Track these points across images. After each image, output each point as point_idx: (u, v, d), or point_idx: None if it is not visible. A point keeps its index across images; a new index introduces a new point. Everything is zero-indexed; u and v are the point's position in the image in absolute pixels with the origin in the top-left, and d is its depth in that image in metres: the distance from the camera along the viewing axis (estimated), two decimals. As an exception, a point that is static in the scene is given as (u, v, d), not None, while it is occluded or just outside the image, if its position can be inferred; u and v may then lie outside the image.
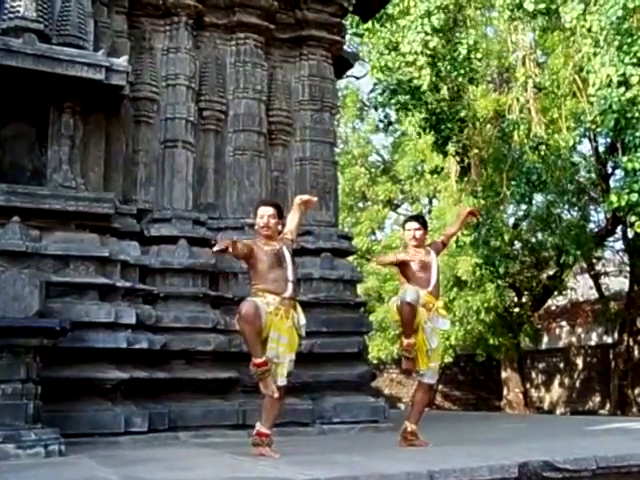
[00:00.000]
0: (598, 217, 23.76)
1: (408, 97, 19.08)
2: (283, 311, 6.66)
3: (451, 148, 20.45)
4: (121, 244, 8.93)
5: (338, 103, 12.20)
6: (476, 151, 21.01)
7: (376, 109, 22.68)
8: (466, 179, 21.74)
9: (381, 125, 24.43)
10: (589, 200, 22.48)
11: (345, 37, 12.06)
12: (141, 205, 9.59)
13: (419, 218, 8.16)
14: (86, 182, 8.81)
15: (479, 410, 24.49)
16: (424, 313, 7.39)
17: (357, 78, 29.21)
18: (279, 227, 7.07)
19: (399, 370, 25.05)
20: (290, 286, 6.81)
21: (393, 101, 20.02)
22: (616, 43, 14.38)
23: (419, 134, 20.93)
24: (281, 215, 7.13)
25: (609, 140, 21.49)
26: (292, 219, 7.31)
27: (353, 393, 9.84)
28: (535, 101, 19.87)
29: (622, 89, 14.48)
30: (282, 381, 6.61)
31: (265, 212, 6.98)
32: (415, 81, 18.65)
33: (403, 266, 7.68)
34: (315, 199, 7.70)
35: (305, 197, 7.47)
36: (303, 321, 6.90)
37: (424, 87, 18.41)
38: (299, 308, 6.98)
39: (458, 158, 21.26)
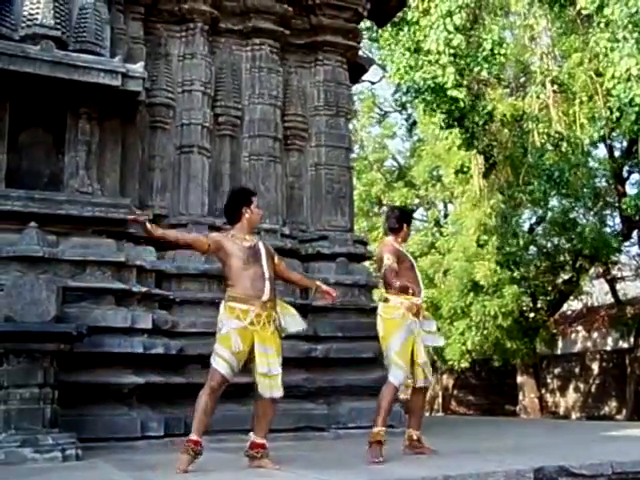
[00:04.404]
0: (614, 222, 23.70)
1: (433, 96, 19.04)
2: (264, 316, 6.27)
3: (477, 145, 20.37)
4: (137, 249, 8.97)
5: (353, 108, 12.20)
6: (498, 151, 20.97)
7: (404, 108, 22.57)
8: (491, 179, 21.67)
9: (404, 127, 24.38)
10: (605, 205, 22.41)
11: (360, 42, 12.09)
12: (157, 210, 9.62)
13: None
14: (102, 188, 8.86)
15: (494, 415, 24.40)
16: (414, 321, 7.01)
17: (372, 83, 29.30)
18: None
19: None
20: (268, 287, 6.36)
21: (418, 100, 20.02)
22: (635, 35, 14.26)
23: (442, 128, 20.77)
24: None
25: (625, 143, 21.44)
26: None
27: (369, 398, 9.80)
28: (555, 100, 19.85)
29: None
30: (279, 392, 6.26)
31: None
32: (439, 79, 18.61)
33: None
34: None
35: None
36: (284, 323, 6.49)
37: (448, 84, 18.37)
38: (283, 307, 6.60)
39: (483, 157, 21.19)
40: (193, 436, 6.09)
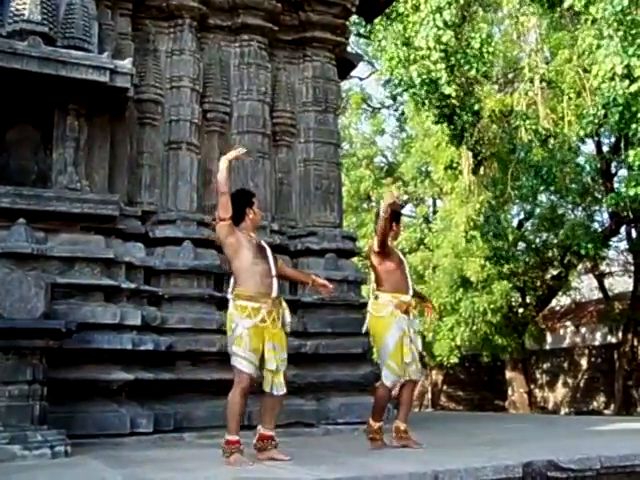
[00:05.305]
0: (602, 217, 23.78)
1: (424, 90, 19.06)
2: (274, 313, 6.43)
3: (467, 142, 20.39)
4: (126, 246, 8.95)
5: (342, 104, 12.20)
6: (486, 147, 21.00)
7: (395, 100, 22.53)
8: (479, 174, 21.69)
9: (393, 123, 24.46)
10: (593, 201, 22.46)
11: (349, 38, 12.09)
12: (146, 207, 9.61)
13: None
14: (91, 184, 8.84)
15: (483, 410, 24.48)
16: (404, 318, 7.22)
17: (361, 79, 29.27)
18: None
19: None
20: (275, 284, 6.54)
21: (409, 94, 20.03)
22: (620, 34, 14.28)
23: (435, 123, 20.78)
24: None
25: (613, 139, 21.48)
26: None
27: (358, 393, 9.84)
28: (543, 96, 19.89)
29: (626, 82, 14.39)
30: (282, 390, 6.40)
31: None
32: (432, 74, 18.60)
33: (381, 258, 7.36)
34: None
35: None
36: (289, 319, 6.63)
37: (442, 81, 18.37)
38: (284, 304, 6.71)
39: (471, 153, 21.22)
40: (233, 437, 6.19)
